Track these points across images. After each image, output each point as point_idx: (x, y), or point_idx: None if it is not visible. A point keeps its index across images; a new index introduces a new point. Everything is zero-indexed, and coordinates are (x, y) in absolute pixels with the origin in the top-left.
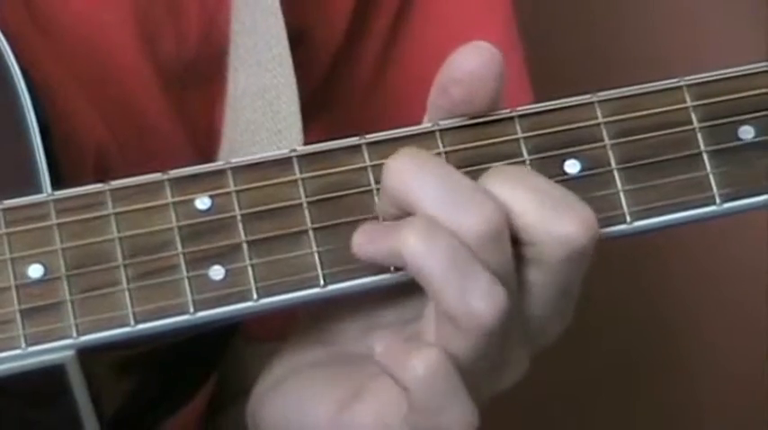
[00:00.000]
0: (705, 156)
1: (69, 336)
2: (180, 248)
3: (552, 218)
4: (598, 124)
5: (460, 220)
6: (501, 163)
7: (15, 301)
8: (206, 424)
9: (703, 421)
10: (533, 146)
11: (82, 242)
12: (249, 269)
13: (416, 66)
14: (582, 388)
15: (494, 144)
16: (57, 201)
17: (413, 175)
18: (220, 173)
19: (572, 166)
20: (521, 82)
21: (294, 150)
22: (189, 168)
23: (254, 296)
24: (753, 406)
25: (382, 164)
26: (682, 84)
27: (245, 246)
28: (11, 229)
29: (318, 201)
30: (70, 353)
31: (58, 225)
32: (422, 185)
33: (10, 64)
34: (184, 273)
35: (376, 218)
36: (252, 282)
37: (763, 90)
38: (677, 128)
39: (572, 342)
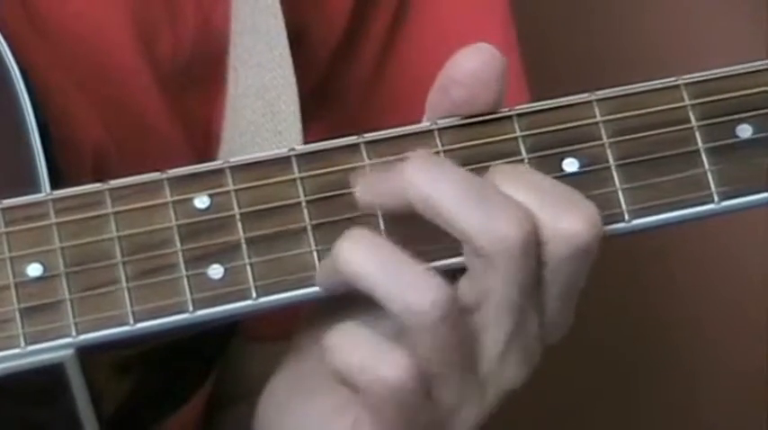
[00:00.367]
0: (703, 155)
1: (68, 335)
2: (179, 247)
3: (556, 216)
4: (596, 123)
5: (494, 229)
6: (499, 161)
7: (14, 300)
8: (205, 423)
9: (702, 421)
10: (532, 144)
11: (81, 241)
12: (248, 268)
13: (415, 66)
14: (581, 387)
15: (492, 143)
16: (56, 200)
17: (437, 187)
18: (219, 172)
19: (570, 165)
20: (518, 82)
21: (293, 149)
22: (188, 167)
23: (253, 295)
24: (753, 405)
25: (381, 162)
26: (680, 82)
27: (243, 244)
28: (10, 229)
29: (317, 199)
30: (69, 352)
31: (57, 224)
32: (451, 198)
33: (9, 64)
34: (183, 272)
35: (375, 216)
36: (251, 280)
37: (761, 88)
38: (675, 126)
39: (571, 341)
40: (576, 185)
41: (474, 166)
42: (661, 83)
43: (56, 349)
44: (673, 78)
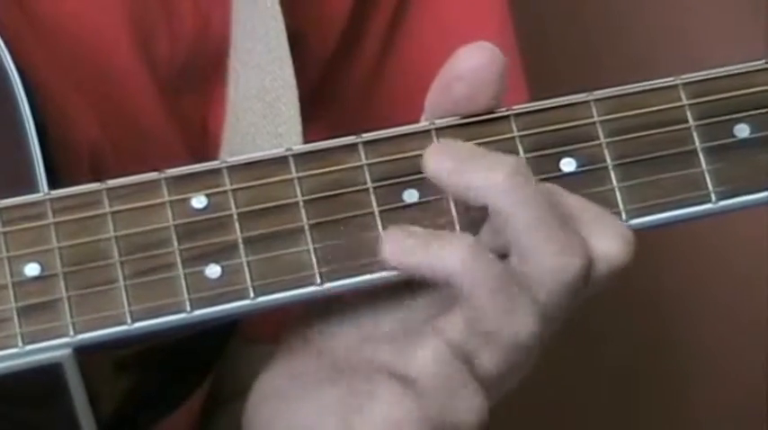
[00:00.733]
0: (701, 154)
1: (66, 335)
2: (176, 247)
3: (595, 235)
4: (594, 123)
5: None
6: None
7: (12, 300)
8: (202, 423)
9: (702, 421)
10: (529, 144)
11: (78, 241)
12: (245, 267)
13: (414, 65)
14: (580, 392)
15: (490, 142)
16: (53, 200)
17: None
18: (217, 172)
19: (568, 165)
20: (517, 81)
21: (290, 149)
22: (185, 167)
23: (251, 294)
24: (751, 407)
25: (379, 162)
26: (677, 82)
27: (241, 244)
28: (7, 228)
29: (314, 199)
30: (67, 351)
31: (55, 224)
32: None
33: (6, 64)
34: (181, 272)
35: (372, 216)
36: (248, 280)
37: (759, 88)
38: (673, 126)
39: (569, 345)
40: (573, 185)
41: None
42: (659, 83)
43: (53, 349)
44: (670, 78)
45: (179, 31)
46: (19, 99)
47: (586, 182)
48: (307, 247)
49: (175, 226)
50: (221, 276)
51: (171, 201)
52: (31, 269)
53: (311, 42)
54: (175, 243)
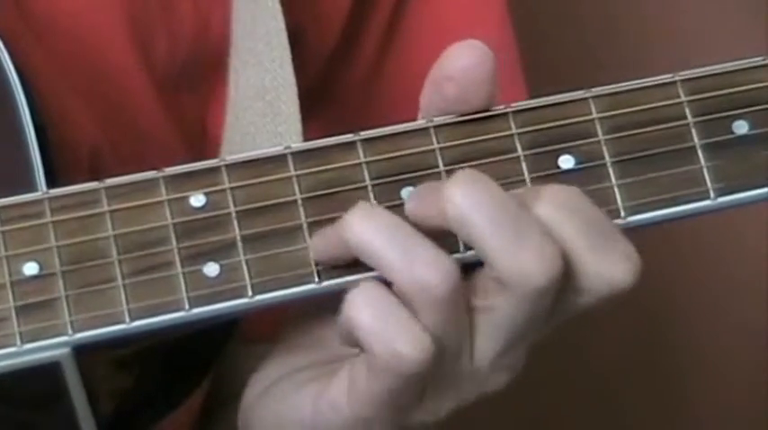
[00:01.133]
0: (699, 151)
1: (65, 333)
2: (175, 245)
3: (599, 257)
4: (592, 120)
5: (521, 266)
6: (495, 158)
7: (11, 299)
8: (201, 423)
9: (702, 425)
10: (528, 141)
11: (77, 240)
12: (244, 265)
13: (413, 64)
14: (580, 393)
15: (488, 140)
16: (52, 199)
17: (472, 209)
18: (215, 170)
19: (566, 162)
20: (515, 79)
21: (288, 147)
22: (184, 166)
23: (249, 292)
24: (751, 411)
25: (377, 160)
26: (676, 79)
27: (239, 242)
28: (6, 227)
29: (313, 197)
30: (66, 350)
31: (53, 223)
32: (483, 223)
33: (5, 64)
34: (179, 270)
35: None
36: (247, 278)
37: (757, 84)
38: (671, 123)
39: (569, 346)
40: (571, 182)
41: (470, 164)
42: (657, 79)
43: (52, 347)
44: (668, 75)
45: (178, 30)
46: (18, 99)
47: (585, 179)
48: (305, 245)
49: (174, 224)
50: (219, 274)
51: (169, 200)
52: (30, 268)
53: (311, 41)
54: (174, 241)
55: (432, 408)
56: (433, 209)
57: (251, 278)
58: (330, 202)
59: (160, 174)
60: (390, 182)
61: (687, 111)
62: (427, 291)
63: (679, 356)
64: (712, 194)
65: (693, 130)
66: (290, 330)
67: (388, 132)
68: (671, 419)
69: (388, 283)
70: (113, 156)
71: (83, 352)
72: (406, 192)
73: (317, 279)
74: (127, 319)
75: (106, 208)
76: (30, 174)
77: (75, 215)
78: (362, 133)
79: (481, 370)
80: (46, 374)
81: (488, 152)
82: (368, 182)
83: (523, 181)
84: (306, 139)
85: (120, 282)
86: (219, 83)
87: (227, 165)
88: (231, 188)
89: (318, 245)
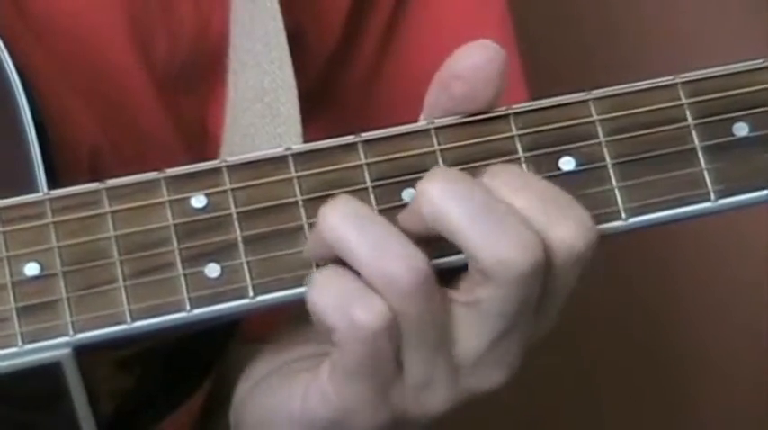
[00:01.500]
0: (700, 153)
1: (66, 334)
2: (176, 246)
3: (552, 223)
4: (593, 121)
5: (503, 256)
6: (495, 161)
7: (12, 299)
8: (201, 423)
9: (703, 426)
10: (528, 143)
11: (78, 240)
12: (245, 266)
13: (412, 64)
14: (582, 393)
15: (489, 141)
16: (53, 199)
17: (447, 203)
18: (216, 171)
19: (567, 164)
20: (517, 80)
21: (289, 148)
22: (185, 167)
23: (250, 293)
24: (753, 411)
25: (378, 161)
26: (676, 81)
27: (240, 243)
28: (7, 228)
29: (314, 198)
30: (66, 350)
31: (54, 223)
32: (459, 216)
33: (5, 64)
34: (180, 271)
35: None
36: (248, 279)
37: (758, 87)
38: (672, 125)
39: (571, 347)
40: (572, 184)
41: (471, 165)
42: (657, 81)
43: (53, 348)
44: (669, 77)
45: (178, 31)
46: (18, 99)
47: (585, 180)
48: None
49: (175, 225)
50: (221, 275)
51: (170, 201)
52: (31, 269)
53: (310, 42)
54: (175, 242)
55: (424, 403)
56: (413, 211)
57: (252, 279)
58: None
59: (161, 174)
60: (391, 183)
61: (688, 113)
62: (394, 284)
63: (682, 358)
64: (713, 196)
65: (694, 132)
66: (281, 328)
67: (388, 134)
68: (674, 420)
69: None
70: (114, 156)
71: (84, 352)
72: (407, 194)
73: None
74: (128, 320)
75: (107, 208)
76: (30, 174)
77: (76, 216)
78: (363, 134)
79: (469, 365)
80: (47, 375)
81: (489, 153)
82: (368, 183)
83: None
84: (306, 141)
85: (121, 282)
86: (219, 83)
87: (228, 166)
88: (232, 189)
89: (309, 242)
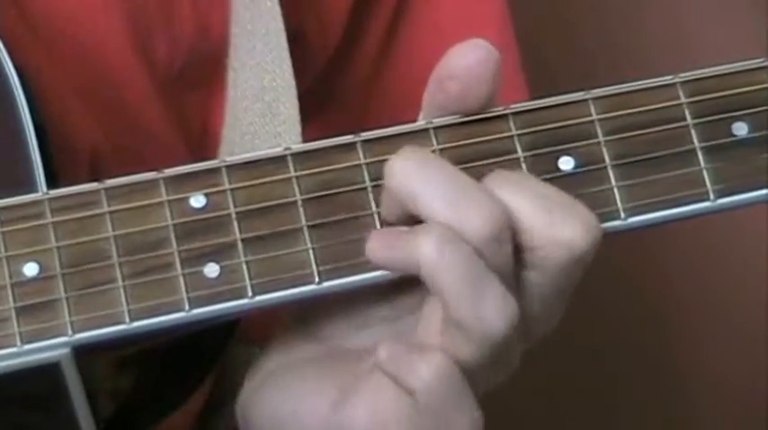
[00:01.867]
0: (699, 153)
1: (65, 334)
2: (175, 246)
3: (555, 222)
4: (592, 121)
5: (463, 220)
6: (494, 160)
7: (11, 299)
8: (200, 425)
9: (702, 426)
10: (528, 143)
11: (77, 240)
12: (244, 266)
13: (413, 65)
14: (581, 393)
15: (488, 141)
16: (52, 199)
17: (415, 175)
18: (215, 171)
19: (566, 163)
20: (516, 81)
21: (289, 148)
22: (184, 167)
23: (249, 293)
24: (751, 411)
25: (377, 161)
26: (675, 80)
27: (239, 243)
28: (6, 228)
29: (313, 198)
30: (66, 350)
31: (54, 223)
32: (425, 185)
33: (6, 66)
34: (179, 271)
35: (371, 215)
36: (247, 279)
37: (757, 86)
38: (671, 124)
39: (571, 348)
40: (571, 184)
41: (470, 165)
42: (657, 81)
43: (52, 348)
44: (668, 77)
45: (178, 32)
46: (18, 99)
47: (584, 180)
48: (305, 246)
49: (174, 225)
50: (220, 275)
51: (169, 201)
52: (30, 269)
53: (311, 42)
54: (174, 242)
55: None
56: (385, 192)
57: (251, 279)
58: (330, 204)
59: (160, 174)
60: None
61: (687, 112)
62: (489, 331)
63: (679, 356)
64: (712, 196)
65: (693, 132)
66: (284, 329)
67: (388, 133)
68: (671, 419)
69: None
70: (114, 156)
71: (83, 352)
72: None
73: (316, 280)
74: (127, 320)
75: (106, 209)
76: (30, 174)
77: (75, 216)
78: (362, 134)
79: None
80: (46, 375)
81: (488, 153)
82: (368, 183)
83: None
84: (306, 140)
85: (120, 283)
86: (219, 83)
87: (227, 166)
88: (231, 189)
89: (377, 247)
